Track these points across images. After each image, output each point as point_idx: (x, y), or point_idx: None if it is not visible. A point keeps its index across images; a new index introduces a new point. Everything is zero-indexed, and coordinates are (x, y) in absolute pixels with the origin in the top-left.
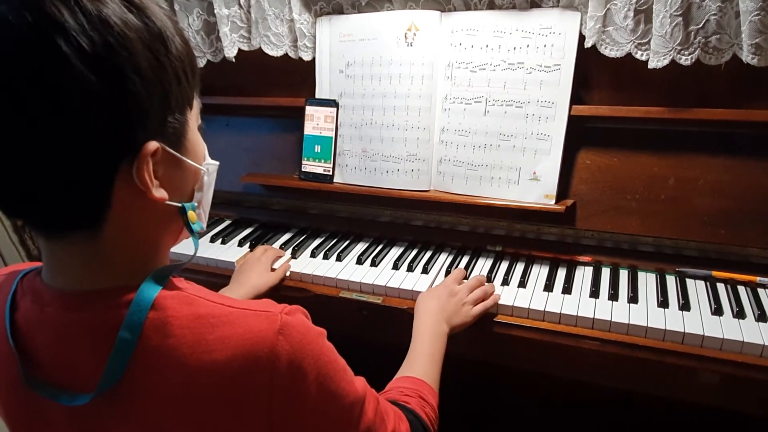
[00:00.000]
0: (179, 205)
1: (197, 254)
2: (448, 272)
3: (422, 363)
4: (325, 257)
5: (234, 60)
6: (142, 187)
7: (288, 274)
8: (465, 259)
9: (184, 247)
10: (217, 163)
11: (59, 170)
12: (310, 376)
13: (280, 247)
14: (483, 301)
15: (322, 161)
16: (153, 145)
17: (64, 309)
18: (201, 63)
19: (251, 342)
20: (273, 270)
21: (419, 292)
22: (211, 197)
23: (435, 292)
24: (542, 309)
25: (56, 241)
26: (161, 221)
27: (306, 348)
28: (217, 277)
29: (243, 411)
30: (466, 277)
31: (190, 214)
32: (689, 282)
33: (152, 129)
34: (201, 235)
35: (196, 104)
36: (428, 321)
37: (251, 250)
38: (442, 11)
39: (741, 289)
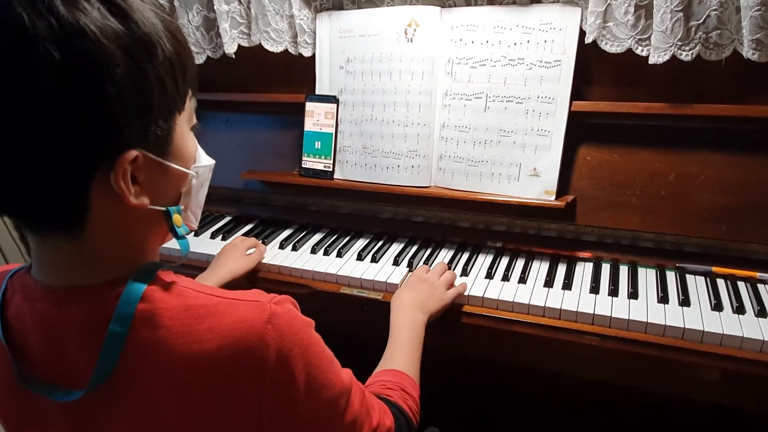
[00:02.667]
0: (163, 209)
1: (198, 251)
2: (449, 268)
3: (401, 355)
4: (326, 253)
5: (234, 56)
6: (120, 194)
7: (263, 260)
8: (465, 256)
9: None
10: (212, 162)
11: (33, 175)
12: (299, 365)
13: (281, 243)
14: (453, 285)
15: (323, 157)
16: (131, 154)
17: (54, 304)
18: (201, 59)
19: (240, 331)
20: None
21: None
22: (203, 197)
23: (406, 285)
24: (542, 305)
25: (43, 238)
26: (145, 224)
27: (294, 337)
28: None
29: (233, 400)
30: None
31: (176, 217)
32: (689, 278)
33: (131, 137)
34: (197, 233)
35: (189, 105)
36: (403, 313)
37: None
38: (442, 7)
39: (741, 284)
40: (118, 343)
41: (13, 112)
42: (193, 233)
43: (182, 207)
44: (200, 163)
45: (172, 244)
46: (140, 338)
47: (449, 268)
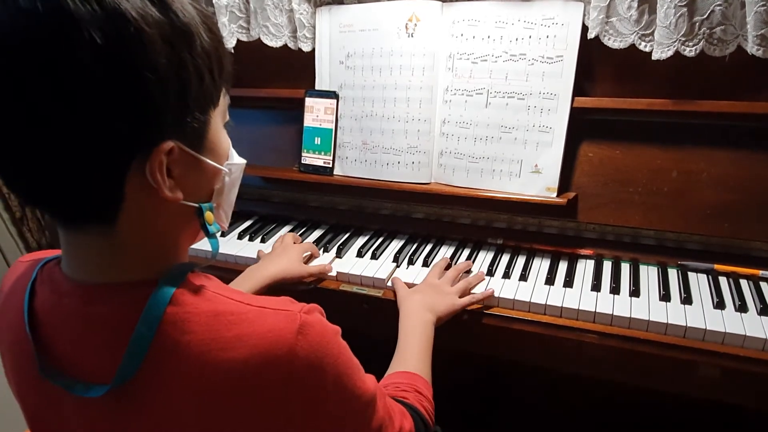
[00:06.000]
0: (196, 205)
1: (197, 248)
2: (448, 266)
3: (412, 356)
4: (325, 250)
5: (233, 51)
6: (155, 186)
7: (334, 274)
8: (466, 253)
9: (206, 243)
10: (243, 161)
11: (68, 164)
12: (329, 376)
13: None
14: (467, 290)
15: (322, 153)
16: (167, 144)
17: (82, 301)
18: None
19: (269, 341)
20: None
21: None
22: (234, 197)
23: (415, 288)
24: (544, 302)
25: (74, 233)
26: (177, 220)
27: (325, 348)
28: (217, 270)
29: (260, 410)
30: (450, 266)
31: (207, 215)
32: (691, 275)
33: (168, 128)
34: (223, 234)
35: (224, 101)
36: (413, 313)
37: (250, 241)
38: (443, 1)
39: (743, 282)
40: (144, 344)
41: (53, 98)
42: None
43: (214, 205)
44: (233, 161)
45: (198, 245)
46: (167, 341)
47: (470, 269)
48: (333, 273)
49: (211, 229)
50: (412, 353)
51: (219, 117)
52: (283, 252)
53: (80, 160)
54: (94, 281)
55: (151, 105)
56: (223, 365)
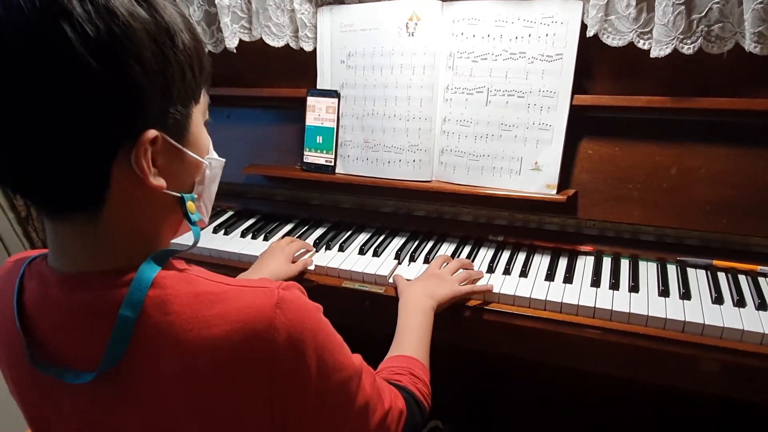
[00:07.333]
0: (178, 194)
1: (200, 246)
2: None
3: (410, 340)
4: (328, 248)
5: (235, 51)
6: (140, 174)
7: (312, 267)
8: (467, 250)
9: (187, 238)
10: (223, 160)
11: (58, 151)
12: (309, 348)
13: (283, 238)
14: (468, 281)
15: (324, 152)
16: (152, 133)
17: (67, 290)
18: None
19: (249, 316)
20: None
21: None
22: (214, 192)
23: (417, 278)
24: (544, 298)
25: (59, 222)
26: (160, 209)
27: (304, 322)
28: (220, 268)
29: (244, 385)
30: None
31: (189, 204)
32: (690, 271)
33: (153, 118)
34: (203, 227)
35: (203, 99)
36: (412, 299)
37: (253, 240)
38: (443, 0)
39: (741, 278)
40: (128, 327)
41: (49, 89)
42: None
43: (196, 196)
44: (213, 156)
45: (180, 239)
46: (150, 323)
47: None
48: (335, 267)
49: (193, 217)
50: (410, 338)
51: (200, 114)
52: (270, 258)
53: (72, 147)
54: (79, 270)
55: (138, 94)
56: (205, 343)
